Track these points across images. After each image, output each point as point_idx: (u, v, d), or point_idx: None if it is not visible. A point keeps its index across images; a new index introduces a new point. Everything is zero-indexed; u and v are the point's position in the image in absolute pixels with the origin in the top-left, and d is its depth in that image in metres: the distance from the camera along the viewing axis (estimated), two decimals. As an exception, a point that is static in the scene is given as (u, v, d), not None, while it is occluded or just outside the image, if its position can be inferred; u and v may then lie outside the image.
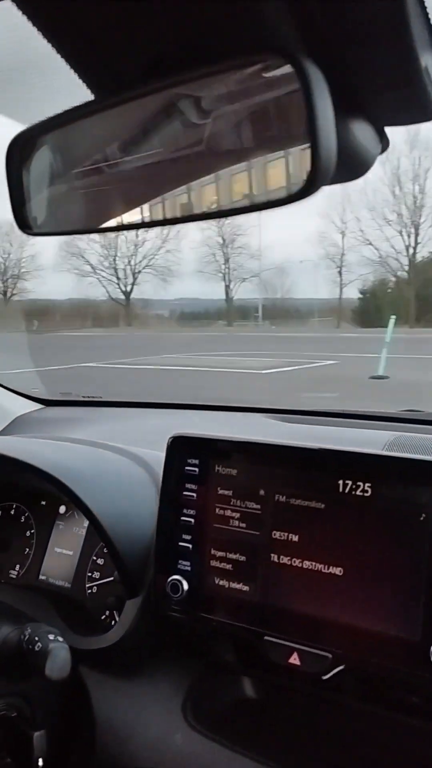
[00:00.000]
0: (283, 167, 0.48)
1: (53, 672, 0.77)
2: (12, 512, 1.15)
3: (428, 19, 0.43)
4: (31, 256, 23.29)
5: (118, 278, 24.31)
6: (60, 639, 0.79)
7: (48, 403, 1.53)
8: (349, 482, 0.69)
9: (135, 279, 24.42)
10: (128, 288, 24.30)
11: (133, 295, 24.62)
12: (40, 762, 0.78)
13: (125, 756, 0.82)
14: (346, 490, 0.69)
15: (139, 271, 24.42)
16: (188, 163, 0.55)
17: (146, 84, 0.50)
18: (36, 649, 0.77)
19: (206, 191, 0.53)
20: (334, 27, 0.42)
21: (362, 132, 0.50)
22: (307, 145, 0.43)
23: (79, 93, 0.55)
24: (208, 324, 24.35)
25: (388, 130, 0.54)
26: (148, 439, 1.08)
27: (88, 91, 0.55)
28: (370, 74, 0.45)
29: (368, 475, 0.69)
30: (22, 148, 0.60)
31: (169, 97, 0.52)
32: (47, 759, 0.79)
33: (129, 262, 24.22)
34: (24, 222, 0.62)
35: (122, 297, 24.53)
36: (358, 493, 0.69)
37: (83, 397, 1.59)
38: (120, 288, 24.34)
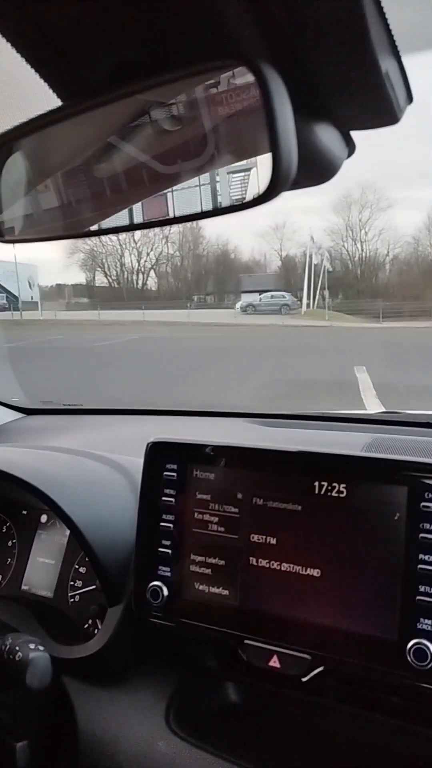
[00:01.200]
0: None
1: (34, 681, 0.76)
2: None
3: (387, 25, 0.44)
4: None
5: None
6: (41, 648, 0.79)
7: (29, 411, 1.52)
8: (325, 483, 0.70)
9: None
10: None
11: None
12: None
13: (108, 765, 0.81)
14: (322, 492, 0.70)
15: None
16: (157, 170, 0.55)
17: (113, 89, 0.50)
18: (16, 658, 0.77)
19: (172, 197, 0.53)
20: (294, 32, 0.43)
21: (327, 136, 0.50)
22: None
23: (49, 101, 0.56)
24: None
25: (354, 134, 0.54)
26: (128, 445, 1.08)
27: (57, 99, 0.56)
28: (332, 79, 0.46)
29: (343, 476, 0.69)
30: (-8, 155, 0.60)
31: (138, 104, 0.52)
32: None
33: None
34: (-3, 229, 0.62)
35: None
36: (333, 494, 0.69)
37: (64, 405, 1.59)
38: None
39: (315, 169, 0.51)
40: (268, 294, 20.75)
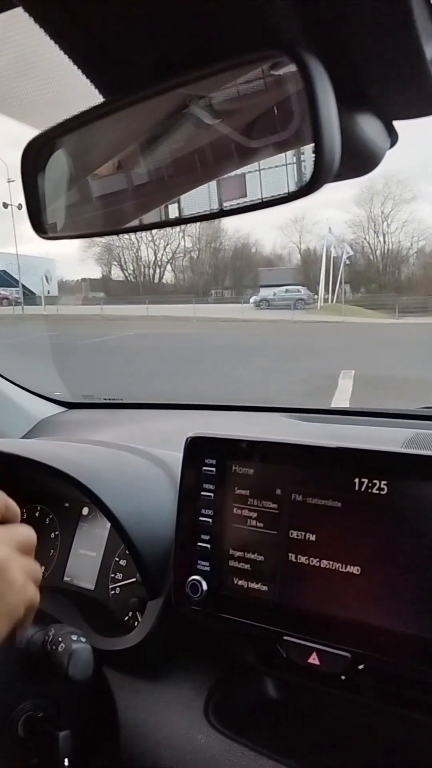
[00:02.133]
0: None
1: (76, 673, 0.78)
2: (37, 514, 1.17)
3: (432, 10, 0.43)
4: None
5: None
6: (83, 640, 0.80)
7: (70, 405, 1.54)
8: (365, 480, 0.69)
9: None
10: None
11: None
12: (66, 762, 0.79)
13: (149, 756, 0.82)
14: (363, 489, 0.69)
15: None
16: (199, 163, 0.55)
17: (155, 84, 0.50)
18: (59, 649, 0.78)
19: (213, 190, 0.53)
20: (337, 21, 0.42)
21: (369, 126, 0.49)
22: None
23: (91, 97, 0.56)
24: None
25: (397, 124, 0.53)
26: (167, 439, 1.08)
27: (99, 96, 0.56)
28: (375, 67, 0.45)
29: (384, 473, 0.68)
30: (36, 153, 0.61)
31: (179, 97, 0.53)
32: (73, 759, 0.79)
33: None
34: (40, 226, 0.63)
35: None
36: (374, 491, 0.68)
37: (104, 399, 1.60)
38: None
39: (357, 160, 0.50)
40: (283, 288, 20.27)
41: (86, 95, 0.55)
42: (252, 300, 20.36)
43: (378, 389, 6.00)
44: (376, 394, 5.79)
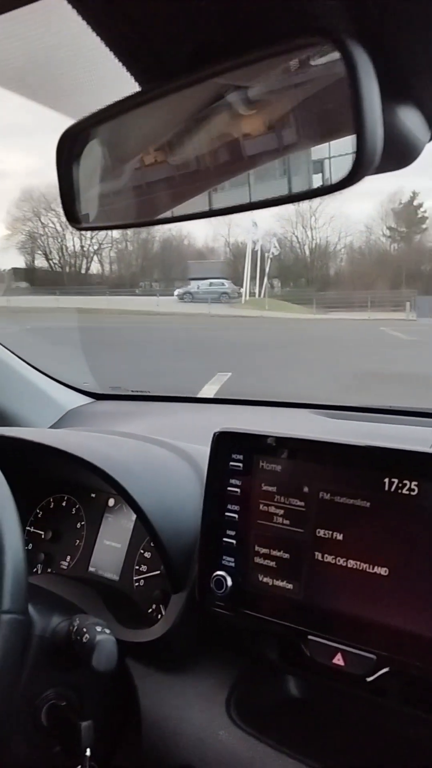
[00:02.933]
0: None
1: (100, 664, 0.78)
2: (63, 504, 1.17)
3: None
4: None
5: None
6: (107, 631, 0.80)
7: (98, 396, 1.55)
8: (395, 480, 0.68)
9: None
10: None
11: None
12: (88, 752, 0.79)
13: (170, 750, 0.82)
14: (392, 489, 0.68)
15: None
16: (234, 154, 0.54)
17: (192, 73, 0.50)
18: (84, 640, 0.78)
19: (251, 181, 0.52)
20: (380, 9, 0.41)
21: (410, 118, 0.48)
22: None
23: (127, 87, 0.56)
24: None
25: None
26: (194, 433, 1.08)
27: (136, 85, 0.55)
28: (418, 57, 0.44)
29: (415, 473, 0.67)
30: (71, 142, 0.61)
31: (215, 87, 0.52)
32: (94, 749, 0.80)
33: None
34: (74, 216, 0.63)
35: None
36: (404, 491, 0.67)
37: (132, 391, 1.61)
38: None
39: (397, 152, 0.49)
40: (206, 282, 19.60)
41: (123, 84, 0.55)
42: (176, 293, 19.92)
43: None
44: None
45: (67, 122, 0.60)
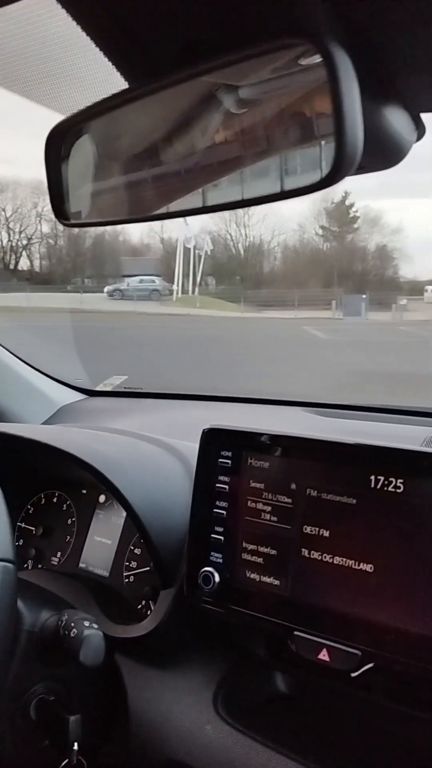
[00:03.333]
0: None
1: (87, 658, 0.78)
2: (55, 500, 1.18)
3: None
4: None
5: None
6: (95, 626, 0.81)
7: (91, 393, 1.55)
8: (381, 478, 0.68)
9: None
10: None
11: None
12: (75, 746, 0.80)
13: (157, 744, 0.82)
14: (378, 486, 0.68)
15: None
16: (223, 153, 0.54)
17: (180, 70, 0.50)
18: (72, 635, 0.79)
19: (236, 180, 0.53)
20: (364, 9, 0.41)
21: (396, 118, 0.49)
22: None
23: (116, 84, 0.56)
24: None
25: (425, 116, 0.52)
26: (185, 430, 1.08)
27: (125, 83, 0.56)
28: (402, 57, 0.44)
29: (401, 471, 0.67)
30: (60, 139, 0.61)
31: (204, 86, 0.52)
32: (82, 744, 0.80)
33: None
34: (63, 213, 0.63)
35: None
36: (390, 489, 0.68)
37: (124, 388, 1.61)
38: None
39: (382, 152, 0.49)
40: (137, 279, 19.08)
41: (111, 81, 0.55)
42: (106, 290, 19.57)
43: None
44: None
45: (56, 118, 0.60)
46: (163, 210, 0.61)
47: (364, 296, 14.29)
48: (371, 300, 14.23)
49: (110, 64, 0.53)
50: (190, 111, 0.55)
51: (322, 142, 0.45)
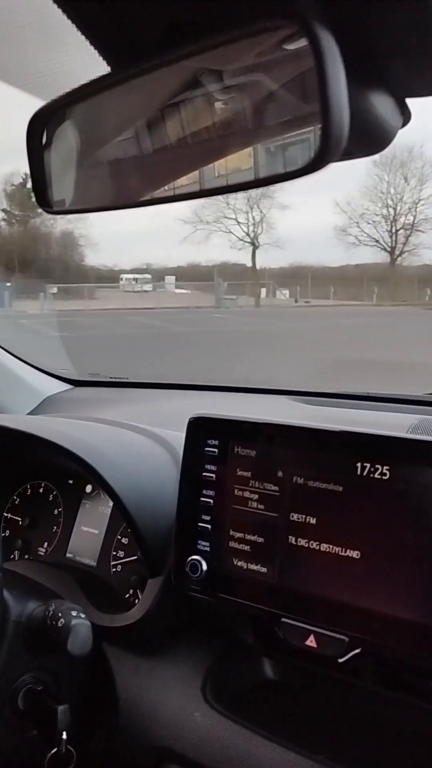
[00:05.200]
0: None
1: (75, 648, 0.78)
2: (41, 490, 1.17)
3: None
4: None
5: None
6: (82, 616, 0.81)
7: (76, 383, 1.54)
8: (368, 465, 0.68)
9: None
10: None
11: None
12: (64, 735, 0.80)
13: (146, 732, 0.83)
14: (364, 473, 0.68)
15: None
16: (207, 138, 0.54)
17: (163, 54, 0.49)
18: (59, 625, 0.79)
19: (219, 166, 0.52)
20: None
21: (381, 103, 0.48)
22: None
23: (98, 68, 0.55)
24: None
25: (410, 101, 0.52)
26: (171, 419, 1.08)
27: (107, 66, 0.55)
28: (388, 40, 0.44)
29: (387, 458, 0.68)
30: (42, 125, 0.60)
31: (188, 71, 0.51)
32: (71, 733, 0.80)
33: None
34: (45, 201, 0.62)
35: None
36: (376, 476, 0.68)
37: (110, 378, 1.60)
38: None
39: (368, 138, 0.49)
40: None
41: (93, 66, 0.54)
42: None
43: None
44: None
45: (37, 104, 0.59)
46: (146, 197, 0.60)
47: (8, 284, 13.63)
48: (31, 288, 13.58)
49: (92, 47, 0.52)
50: (174, 96, 0.54)
51: (307, 128, 0.45)
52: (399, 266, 19.72)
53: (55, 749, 0.80)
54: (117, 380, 1.59)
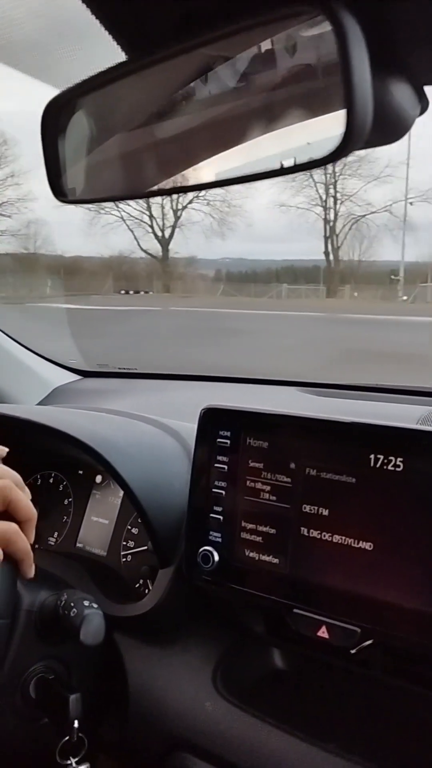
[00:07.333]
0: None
1: (87, 638, 0.79)
2: (51, 481, 1.17)
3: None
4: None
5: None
6: (95, 606, 0.81)
7: (85, 374, 1.55)
8: (381, 456, 0.68)
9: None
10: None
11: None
12: (76, 724, 0.80)
13: (157, 721, 0.83)
14: (378, 465, 0.68)
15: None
16: (223, 127, 0.53)
17: (179, 42, 0.49)
18: (71, 614, 0.79)
19: (237, 155, 0.52)
20: None
21: (400, 91, 0.47)
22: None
23: (114, 55, 0.54)
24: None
25: (428, 89, 0.51)
26: (181, 410, 1.08)
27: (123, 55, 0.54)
28: (409, 27, 0.43)
29: (400, 450, 0.67)
30: (56, 113, 0.59)
31: (204, 59, 0.51)
32: (82, 721, 0.81)
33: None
34: (59, 189, 0.62)
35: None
36: (389, 467, 0.68)
37: (119, 368, 1.60)
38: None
39: (387, 126, 0.48)
40: None
41: (108, 53, 0.54)
42: None
43: None
44: None
45: (52, 92, 0.58)
46: (161, 186, 0.60)
47: None
48: None
49: (108, 35, 0.52)
50: (189, 84, 0.54)
51: (327, 115, 0.44)
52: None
53: (66, 737, 0.80)
54: (126, 371, 1.59)
